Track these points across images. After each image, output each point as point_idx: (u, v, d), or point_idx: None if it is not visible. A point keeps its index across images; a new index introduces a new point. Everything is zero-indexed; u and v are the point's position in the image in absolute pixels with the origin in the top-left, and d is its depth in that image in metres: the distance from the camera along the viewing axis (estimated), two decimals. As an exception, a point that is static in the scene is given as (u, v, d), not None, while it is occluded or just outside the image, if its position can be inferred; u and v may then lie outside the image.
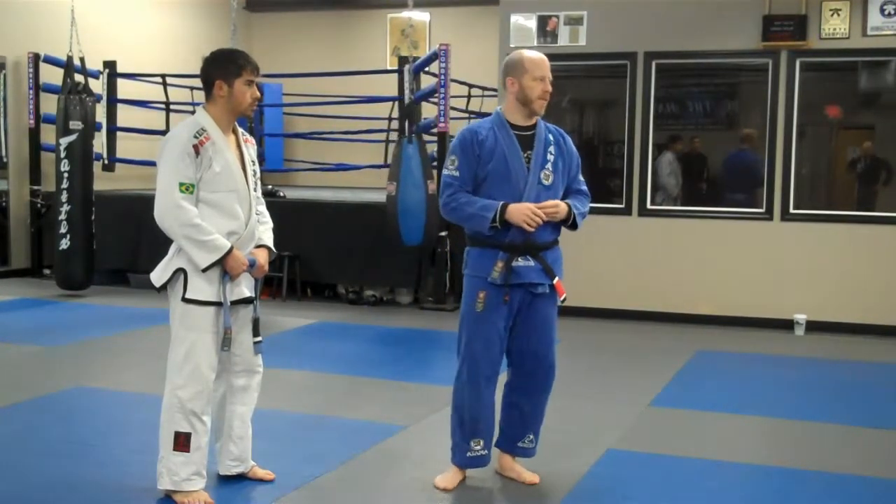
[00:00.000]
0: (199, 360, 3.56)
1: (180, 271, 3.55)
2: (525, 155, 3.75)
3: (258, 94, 3.67)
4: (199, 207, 3.53)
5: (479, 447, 3.87)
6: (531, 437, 3.96)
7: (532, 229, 3.67)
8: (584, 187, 3.93)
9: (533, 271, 3.74)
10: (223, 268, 3.55)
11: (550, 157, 3.78)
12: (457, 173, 3.75)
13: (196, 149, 3.50)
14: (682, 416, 5.10)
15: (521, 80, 3.73)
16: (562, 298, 3.84)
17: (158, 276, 3.62)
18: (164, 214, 3.51)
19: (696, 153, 8.35)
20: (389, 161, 8.80)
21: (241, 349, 3.71)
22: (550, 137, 3.82)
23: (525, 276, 3.74)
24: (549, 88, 3.77)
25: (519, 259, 3.72)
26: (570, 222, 3.81)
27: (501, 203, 3.67)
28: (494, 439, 3.97)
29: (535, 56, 3.78)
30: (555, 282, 3.79)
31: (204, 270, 3.52)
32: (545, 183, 3.76)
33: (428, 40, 12.53)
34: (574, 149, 3.91)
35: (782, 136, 7.57)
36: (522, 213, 3.64)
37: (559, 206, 3.73)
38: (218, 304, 3.57)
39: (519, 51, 3.86)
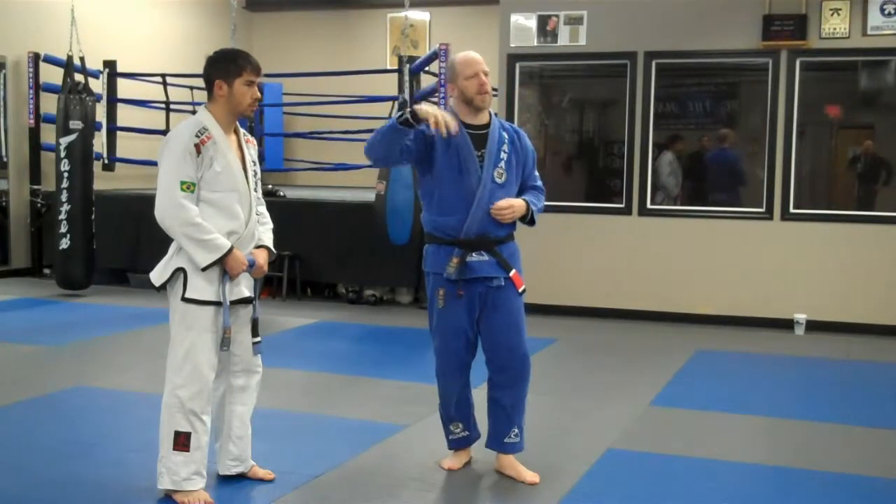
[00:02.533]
0: (199, 360, 3.56)
1: (180, 271, 3.55)
2: (479, 153, 3.82)
3: (258, 94, 3.67)
4: (200, 207, 3.53)
5: (458, 430, 4.07)
6: (516, 431, 3.97)
7: (438, 128, 3.57)
8: (539, 182, 4.03)
9: (487, 265, 3.83)
10: (223, 267, 3.55)
11: (504, 156, 3.86)
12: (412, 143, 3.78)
13: (197, 148, 3.51)
14: (681, 415, 5.10)
15: (457, 83, 3.85)
16: (520, 290, 3.89)
17: (158, 275, 3.62)
18: (165, 213, 3.51)
19: (699, 153, 8.37)
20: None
21: (240, 349, 3.72)
22: (505, 135, 3.89)
23: (479, 271, 3.81)
24: (484, 81, 3.82)
25: (473, 254, 3.80)
26: (528, 219, 3.91)
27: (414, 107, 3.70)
28: (485, 442, 4.05)
29: (464, 56, 3.88)
30: (511, 274, 3.85)
31: (203, 269, 3.52)
32: (498, 181, 3.83)
33: (428, 40, 12.53)
34: (529, 145, 3.99)
35: (782, 135, 7.57)
36: (436, 110, 3.60)
37: (513, 205, 3.82)
38: (217, 303, 3.57)
39: (453, 55, 3.98)
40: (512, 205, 3.82)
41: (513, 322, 3.89)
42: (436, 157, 3.80)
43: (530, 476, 3.93)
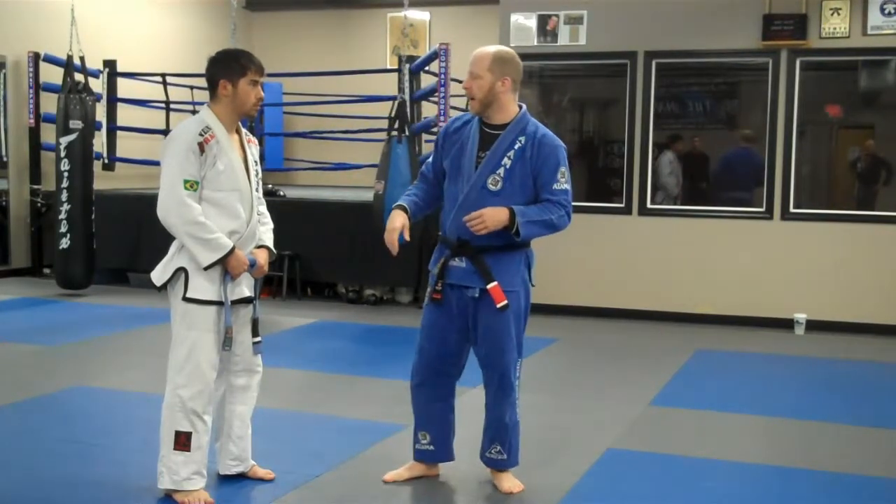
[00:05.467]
0: (200, 360, 3.56)
1: (181, 270, 3.55)
2: (481, 155, 3.65)
3: (262, 94, 3.67)
4: (202, 206, 3.53)
5: (425, 441, 3.86)
6: (498, 447, 3.77)
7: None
8: (559, 196, 3.61)
9: (462, 273, 3.65)
10: (224, 267, 3.55)
11: (506, 163, 3.59)
12: (430, 160, 3.88)
13: (201, 146, 3.51)
14: (681, 415, 5.11)
15: None
16: (499, 305, 3.58)
17: (159, 275, 3.62)
18: (168, 211, 3.50)
19: (696, 153, 8.36)
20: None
21: (241, 349, 3.72)
22: (521, 140, 3.61)
23: (453, 277, 3.68)
24: (468, 85, 3.64)
25: (455, 259, 3.67)
26: (514, 230, 3.54)
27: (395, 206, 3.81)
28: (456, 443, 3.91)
29: None
30: (489, 286, 3.58)
31: (206, 269, 3.52)
32: (491, 188, 3.59)
33: (428, 39, 12.54)
34: (551, 155, 3.60)
35: (782, 135, 7.57)
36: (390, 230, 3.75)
37: (484, 215, 3.50)
38: (219, 303, 3.58)
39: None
40: (482, 214, 3.50)
41: (495, 337, 3.64)
42: (445, 158, 3.76)
43: (507, 485, 3.78)
